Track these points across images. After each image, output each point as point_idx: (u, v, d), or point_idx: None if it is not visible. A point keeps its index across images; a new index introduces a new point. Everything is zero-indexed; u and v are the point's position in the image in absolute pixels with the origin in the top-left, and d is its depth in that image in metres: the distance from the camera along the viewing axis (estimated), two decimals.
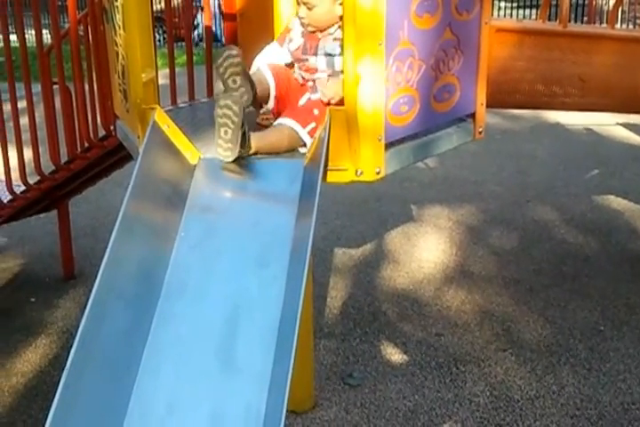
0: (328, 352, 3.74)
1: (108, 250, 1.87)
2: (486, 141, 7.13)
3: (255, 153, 2.24)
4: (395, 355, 3.72)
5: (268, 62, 2.44)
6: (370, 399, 3.35)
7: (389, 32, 2.09)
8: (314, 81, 2.37)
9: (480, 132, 2.62)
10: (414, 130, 2.33)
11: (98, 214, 5.60)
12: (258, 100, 2.35)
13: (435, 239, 5.18)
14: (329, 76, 2.34)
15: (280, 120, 2.30)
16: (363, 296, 4.36)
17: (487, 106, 2.60)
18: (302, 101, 2.36)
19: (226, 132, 2.14)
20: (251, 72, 2.43)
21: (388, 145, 2.24)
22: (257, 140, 2.24)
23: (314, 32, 2.37)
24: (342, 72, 2.29)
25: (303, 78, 2.42)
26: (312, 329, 3.41)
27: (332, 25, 2.32)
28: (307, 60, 2.39)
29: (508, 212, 5.68)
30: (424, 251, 4.99)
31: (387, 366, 3.63)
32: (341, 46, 2.21)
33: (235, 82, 2.22)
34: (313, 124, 2.26)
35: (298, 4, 2.36)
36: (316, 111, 2.28)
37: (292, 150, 2.29)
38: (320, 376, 3.49)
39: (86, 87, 3.63)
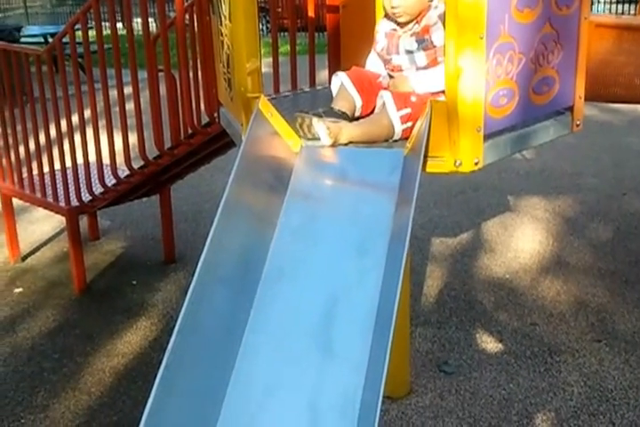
0: (424, 340, 3.79)
1: (211, 233, 1.92)
2: (583, 134, 6.98)
3: (351, 142, 2.29)
4: (490, 344, 3.74)
5: (350, 72, 2.49)
6: (465, 387, 3.38)
7: (490, 25, 2.11)
8: None
9: (577, 125, 2.62)
10: (513, 122, 2.35)
11: (199, 200, 5.72)
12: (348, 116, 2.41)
13: (531, 230, 5.16)
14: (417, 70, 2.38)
15: (382, 92, 2.35)
16: (459, 285, 4.39)
17: (585, 99, 2.60)
18: None
19: (323, 119, 2.26)
20: (334, 87, 2.51)
21: (487, 136, 2.26)
22: (353, 129, 2.31)
23: (396, 29, 2.42)
24: (428, 66, 2.36)
25: (391, 77, 2.47)
26: (409, 316, 3.46)
27: (423, 12, 2.36)
28: (391, 59, 2.44)
29: (604, 204, 5.61)
30: (520, 241, 4.98)
31: (482, 354, 3.65)
32: (424, 41, 2.29)
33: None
34: (408, 110, 2.29)
35: None
36: (413, 98, 2.31)
37: (387, 141, 2.33)
38: (416, 363, 3.53)
39: (191, 75, 3.70)
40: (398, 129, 2.31)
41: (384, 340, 1.72)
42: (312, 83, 3.43)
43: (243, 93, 2.36)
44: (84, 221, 4.94)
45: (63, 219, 4.71)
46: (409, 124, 2.30)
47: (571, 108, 2.57)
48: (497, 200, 5.74)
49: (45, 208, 4.64)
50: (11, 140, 4.64)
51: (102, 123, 4.05)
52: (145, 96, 3.81)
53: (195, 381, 1.77)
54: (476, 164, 2.26)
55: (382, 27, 2.49)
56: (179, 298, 4.25)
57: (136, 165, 4.11)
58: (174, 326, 1.73)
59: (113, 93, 3.91)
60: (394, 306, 1.77)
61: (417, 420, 3.15)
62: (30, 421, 3.22)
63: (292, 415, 1.77)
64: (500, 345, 3.73)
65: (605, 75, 3.32)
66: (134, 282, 4.53)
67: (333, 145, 2.28)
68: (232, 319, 1.92)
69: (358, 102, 2.44)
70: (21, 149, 4.58)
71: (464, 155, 2.23)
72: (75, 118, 4.22)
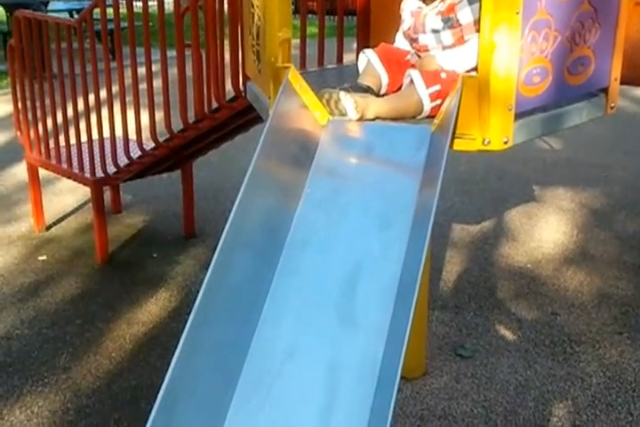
0: (441, 324, 3.77)
1: (238, 201, 1.93)
2: (613, 126, 6.99)
3: (378, 117, 2.26)
4: (508, 330, 3.71)
5: (378, 48, 2.46)
6: (481, 371, 3.35)
7: (527, 1, 2.07)
8: None
9: (612, 108, 2.57)
10: (545, 102, 2.31)
11: (220, 179, 5.73)
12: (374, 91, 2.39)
13: (556, 220, 5.11)
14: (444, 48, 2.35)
15: (409, 70, 2.32)
16: (479, 272, 4.36)
17: (620, 82, 2.56)
18: None
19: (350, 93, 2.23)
20: (361, 64, 2.47)
21: (518, 115, 2.22)
22: (381, 105, 2.28)
23: (421, 7, 2.38)
24: (454, 45, 2.32)
25: (419, 57, 2.43)
26: (427, 298, 3.44)
27: None
28: (417, 38, 2.40)
29: (632, 197, 5.55)
30: (544, 231, 4.93)
31: (500, 340, 3.62)
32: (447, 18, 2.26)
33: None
34: (437, 87, 2.25)
35: None
36: (443, 75, 2.28)
37: (414, 118, 2.30)
38: (431, 346, 3.52)
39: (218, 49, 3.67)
40: (427, 106, 2.28)
41: (406, 309, 1.71)
42: (339, 60, 3.40)
43: (272, 64, 2.34)
44: (107, 195, 4.97)
45: (87, 192, 4.83)
46: (438, 101, 2.27)
47: (605, 90, 2.53)
48: (521, 189, 5.69)
49: (71, 179, 4.68)
50: (39, 113, 4.67)
51: (129, 98, 4.07)
52: (173, 74, 3.80)
53: (218, 340, 1.81)
54: (506, 143, 2.23)
55: (408, 5, 2.46)
56: (197, 272, 4.31)
57: (161, 139, 4.12)
58: (193, 298, 1.75)
59: (140, 70, 3.93)
60: (417, 277, 1.76)
61: (431, 401, 3.13)
62: (53, 381, 3.32)
63: (312, 378, 1.80)
64: (518, 332, 3.70)
65: None
66: (155, 255, 4.59)
67: (360, 119, 2.26)
68: (255, 285, 1.94)
69: (385, 79, 2.41)
70: (49, 122, 4.62)
71: (493, 133, 2.20)
72: (102, 93, 4.24)
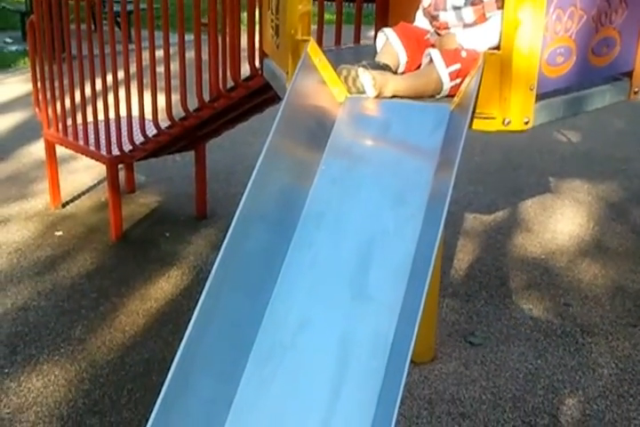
0: (451, 311, 3.74)
1: (254, 173, 1.92)
2: (634, 120, 6.91)
3: (396, 96, 2.23)
4: (519, 319, 3.68)
5: (396, 27, 2.41)
6: (490, 358, 3.33)
7: None
8: None
9: (636, 93, 2.52)
10: (568, 83, 2.27)
11: (231, 162, 5.71)
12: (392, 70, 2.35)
13: (571, 212, 5.06)
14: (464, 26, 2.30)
15: (428, 50, 2.28)
16: (491, 261, 4.32)
17: None
18: None
19: (369, 70, 2.20)
20: (379, 42, 2.44)
21: (540, 96, 2.18)
22: (399, 82, 2.24)
23: None
24: (475, 22, 2.28)
25: (438, 35, 2.39)
26: (438, 285, 3.41)
27: None
28: (438, 15, 2.35)
29: None
30: (559, 223, 4.88)
31: (510, 329, 3.60)
32: None
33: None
34: (457, 66, 2.20)
35: None
36: (463, 53, 2.23)
37: (433, 97, 2.26)
38: (441, 333, 3.50)
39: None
40: (446, 85, 2.24)
41: (420, 287, 1.69)
42: (357, 39, 3.36)
43: (292, 37, 2.31)
44: (121, 175, 4.97)
45: (101, 171, 4.91)
46: (457, 80, 2.23)
47: (630, 74, 2.48)
48: (537, 181, 5.62)
49: (87, 156, 4.71)
50: (57, 91, 4.68)
51: (146, 81, 4.07)
52: (190, 58, 3.81)
53: (233, 309, 1.83)
54: (526, 123, 2.19)
55: None
56: (209, 252, 4.34)
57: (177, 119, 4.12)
58: (204, 277, 1.80)
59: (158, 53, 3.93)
60: (432, 255, 1.74)
61: (439, 385, 3.11)
62: (69, 351, 3.41)
63: (323, 350, 1.80)
64: (529, 322, 3.67)
65: None
66: (167, 234, 4.63)
67: (378, 97, 2.22)
68: (270, 257, 1.94)
69: (403, 58, 2.37)
70: (67, 101, 4.64)
71: (514, 113, 2.16)
72: (120, 74, 4.26)
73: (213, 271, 1.75)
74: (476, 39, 2.26)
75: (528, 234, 4.71)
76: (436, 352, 3.33)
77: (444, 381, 3.15)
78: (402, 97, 2.24)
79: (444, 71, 2.22)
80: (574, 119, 6.54)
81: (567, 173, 5.82)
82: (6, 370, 3.26)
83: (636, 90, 2.51)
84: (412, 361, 3.16)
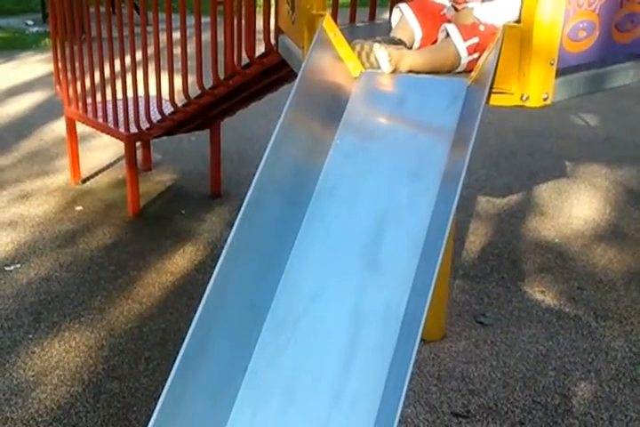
0: (462, 292, 3.72)
1: (269, 146, 1.93)
2: None
3: (412, 71, 2.20)
4: (531, 302, 3.66)
5: (412, 2, 2.37)
6: (501, 339, 3.32)
7: None
8: None
9: None
10: (589, 59, 2.22)
11: (243, 144, 5.73)
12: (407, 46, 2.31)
13: (588, 197, 5.01)
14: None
15: (445, 25, 2.24)
16: (503, 244, 4.29)
17: None
18: None
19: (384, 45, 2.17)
20: (394, 18, 2.40)
21: (560, 72, 2.13)
22: (415, 57, 2.21)
23: None
24: None
25: (456, 10, 2.35)
26: (450, 264, 3.39)
27: None
28: None
29: None
30: (575, 207, 4.84)
31: (522, 311, 3.57)
32: None
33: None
34: (475, 40, 2.17)
35: None
36: (481, 27, 2.19)
37: (449, 72, 2.23)
38: (451, 313, 3.49)
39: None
40: (464, 60, 2.20)
41: (433, 261, 1.69)
42: (372, 16, 3.33)
43: (308, 11, 2.28)
44: (138, 153, 5.03)
45: (119, 149, 5.02)
46: (475, 55, 2.19)
47: None
48: (553, 165, 5.57)
49: (106, 133, 4.79)
50: (77, 72, 4.74)
51: (163, 63, 4.13)
52: (205, 40, 3.82)
53: (248, 276, 1.86)
54: (545, 99, 2.14)
55: None
56: (223, 230, 4.40)
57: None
58: (218, 253, 1.77)
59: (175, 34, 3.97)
60: (445, 229, 1.74)
61: (449, 363, 3.11)
62: (89, 320, 3.54)
63: (336, 320, 1.83)
64: (542, 304, 3.65)
65: None
66: (183, 211, 4.72)
67: (393, 72, 2.19)
68: (284, 228, 1.96)
69: (418, 34, 2.32)
70: (87, 80, 4.69)
71: (533, 89, 2.12)
72: (138, 54, 4.31)
73: (230, 239, 1.76)
74: (495, 14, 2.23)
75: (542, 218, 4.68)
76: (445, 331, 3.32)
77: (454, 359, 3.14)
78: (418, 72, 2.21)
79: (461, 45, 2.19)
80: (593, 104, 6.54)
81: (585, 157, 5.76)
82: (30, 335, 3.38)
83: None
84: (421, 339, 3.16)
